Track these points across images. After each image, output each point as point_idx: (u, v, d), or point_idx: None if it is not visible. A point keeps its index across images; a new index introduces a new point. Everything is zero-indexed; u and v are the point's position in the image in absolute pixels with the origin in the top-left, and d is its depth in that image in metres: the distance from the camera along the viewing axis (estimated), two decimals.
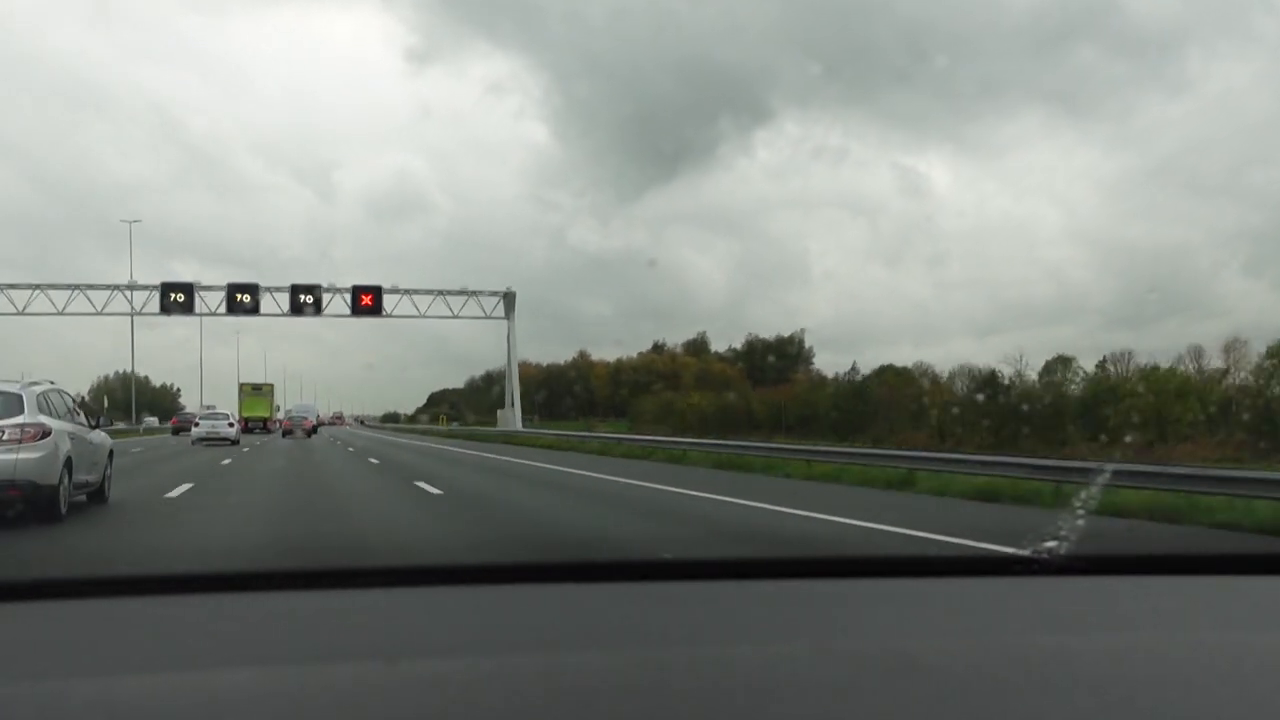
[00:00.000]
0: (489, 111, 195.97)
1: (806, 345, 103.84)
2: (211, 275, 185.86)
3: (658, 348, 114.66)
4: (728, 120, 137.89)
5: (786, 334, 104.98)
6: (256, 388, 73.58)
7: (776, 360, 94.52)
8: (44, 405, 10.79)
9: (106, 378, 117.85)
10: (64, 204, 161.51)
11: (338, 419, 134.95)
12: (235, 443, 39.62)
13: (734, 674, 1.09)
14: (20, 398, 10.47)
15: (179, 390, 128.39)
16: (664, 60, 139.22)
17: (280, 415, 68.62)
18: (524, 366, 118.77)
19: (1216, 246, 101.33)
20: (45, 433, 10.33)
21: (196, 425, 43.23)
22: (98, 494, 12.45)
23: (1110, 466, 14.05)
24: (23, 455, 9.96)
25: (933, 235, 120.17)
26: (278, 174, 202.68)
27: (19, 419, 10.16)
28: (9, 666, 1.11)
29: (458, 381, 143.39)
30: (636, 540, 9.49)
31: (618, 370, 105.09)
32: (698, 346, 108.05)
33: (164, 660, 1.13)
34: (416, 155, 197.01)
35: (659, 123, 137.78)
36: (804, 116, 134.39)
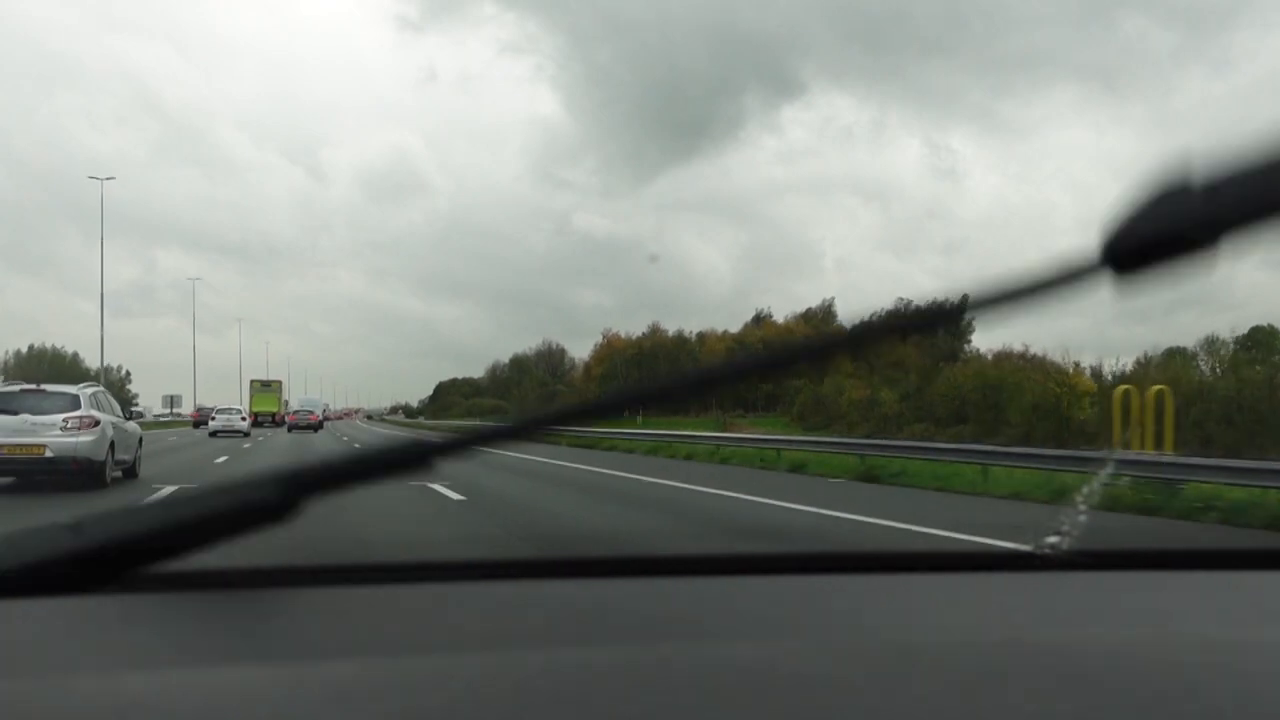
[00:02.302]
0: (495, 82, 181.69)
1: (966, 317, 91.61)
2: (196, 262, 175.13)
3: (759, 319, 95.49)
4: (754, 95, 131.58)
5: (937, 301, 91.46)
6: (266, 384, 78.02)
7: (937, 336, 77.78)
8: (94, 402, 14.55)
9: (20, 352, 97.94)
10: (36, 184, 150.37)
11: (347, 414, 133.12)
12: (246, 435, 44.28)
13: (735, 669, 1.07)
14: (78, 396, 14.27)
15: (128, 374, 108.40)
16: (690, 25, 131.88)
17: (289, 410, 72.46)
18: (612, 339, 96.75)
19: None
20: (96, 423, 14.08)
21: (212, 419, 48.13)
22: (130, 471, 16.17)
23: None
24: (81, 438, 13.73)
25: (945, 221, 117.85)
26: (265, 151, 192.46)
27: (78, 412, 13.93)
28: (8, 662, 1.10)
29: (450, 375, 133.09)
30: None
31: (740, 348, 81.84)
32: (819, 317, 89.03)
33: (165, 656, 1.13)
34: (413, 132, 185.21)
35: (682, 96, 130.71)
36: (833, 90, 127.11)
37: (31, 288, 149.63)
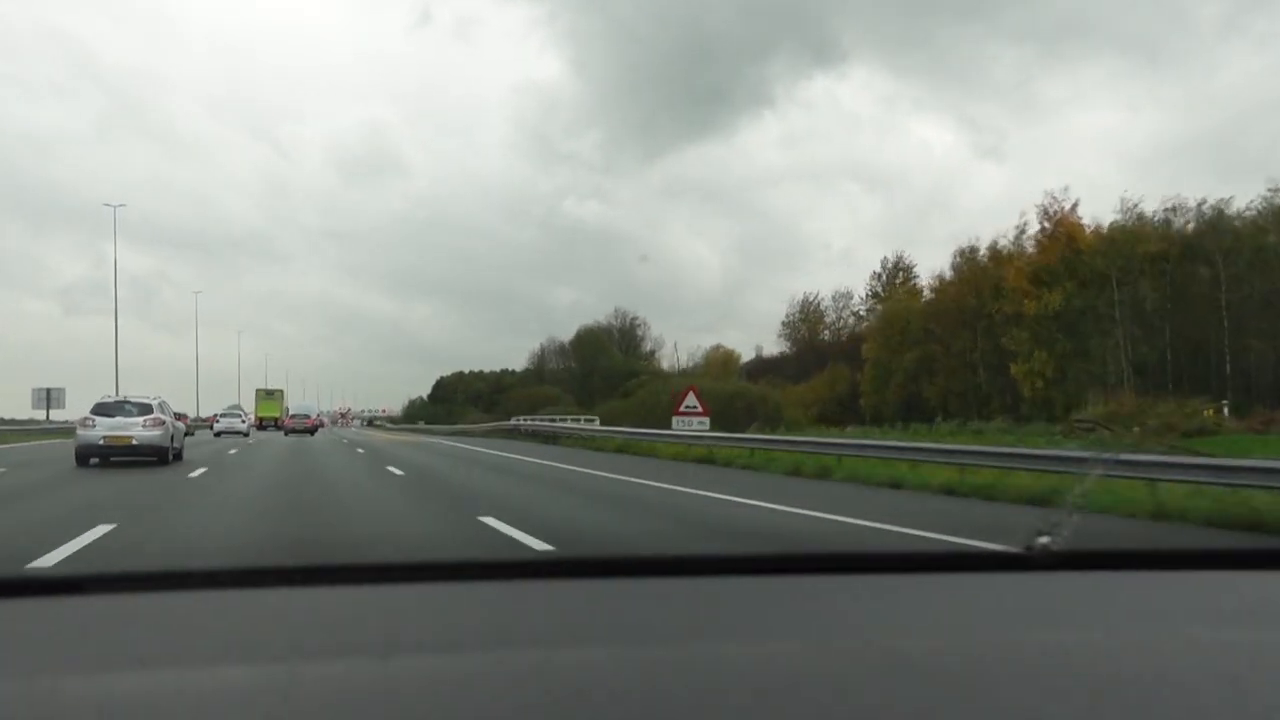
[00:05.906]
0: (495, 36, 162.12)
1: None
2: (151, 255, 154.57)
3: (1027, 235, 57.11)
4: (781, 59, 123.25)
5: None
6: (270, 393, 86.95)
7: None
8: (161, 408, 22.50)
9: None
10: None
11: (343, 417, 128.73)
12: (246, 435, 52.13)
13: (729, 670, 1.11)
14: (152, 404, 22.30)
15: None
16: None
17: (288, 415, 79.94)
18: (1067, 221, 60.12)
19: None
20: (163, 422, 22.02)
21: (216, 423, 56.07)
22: (178, 455, 23.84)
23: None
24: (154, 432, 21.70)
25: (951, 211, 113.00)
26: (224, 125, 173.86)
27: (151, 416, 21.90)
28: (2, 663, 1.14)
29: (421, 377, 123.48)
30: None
31: (1132, 253, 50.02)
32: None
33: (158, 657, 1.16)
34: (391, 102, 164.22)
35: (707, 57, 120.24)
36: (859, 61, 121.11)
37: None
